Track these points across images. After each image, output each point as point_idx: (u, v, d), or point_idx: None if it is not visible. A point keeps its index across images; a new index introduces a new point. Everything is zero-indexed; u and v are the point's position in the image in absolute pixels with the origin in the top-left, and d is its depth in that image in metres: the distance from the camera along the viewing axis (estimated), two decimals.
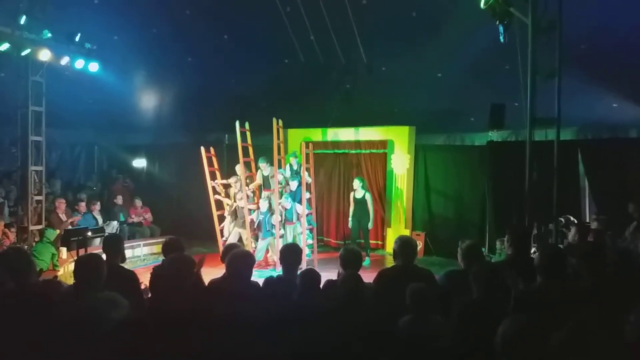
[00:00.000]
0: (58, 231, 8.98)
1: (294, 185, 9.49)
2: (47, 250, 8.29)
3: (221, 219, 10.21)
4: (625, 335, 2.57)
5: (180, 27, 9.94)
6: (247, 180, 9.87)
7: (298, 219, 9.48)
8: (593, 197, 9.38)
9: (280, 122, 10.19)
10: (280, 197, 9.54)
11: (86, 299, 3.25)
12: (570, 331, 2.90)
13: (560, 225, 7.05)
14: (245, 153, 9.96)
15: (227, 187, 10.27)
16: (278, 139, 10.00)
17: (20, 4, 8.39)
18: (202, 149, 10.11)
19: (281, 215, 9.42)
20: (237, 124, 9.58)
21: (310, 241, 9.76)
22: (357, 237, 10.11)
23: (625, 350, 2.58)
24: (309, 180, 9.70)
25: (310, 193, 9.81)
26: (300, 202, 9.49)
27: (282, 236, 9.42)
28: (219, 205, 10.25)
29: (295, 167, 9.91)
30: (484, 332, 2.55)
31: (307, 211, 9.53)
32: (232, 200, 9.98)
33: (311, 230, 9.86)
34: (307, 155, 9.70)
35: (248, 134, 10.11)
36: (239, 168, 9.78)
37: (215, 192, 10.19)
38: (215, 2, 9.27)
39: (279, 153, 9.93)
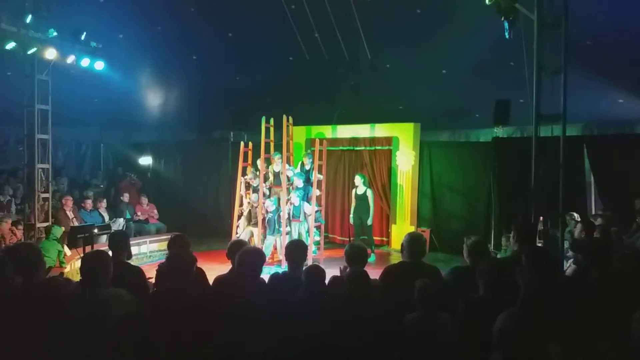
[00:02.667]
0: (63, 228, 9.02)
1: (299, 182, 9.50)
2: (54, 247, 8.32)
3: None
4: (632, 332, 2.57)
5: (185, 25, 9.97)
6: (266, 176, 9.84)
7: (305, 217, 9.50)
8: (599, 193, 9.35)
9: (291, 119, 10.18)
10: (288, 194, 9.56)
11: (92, 295, 3.28)
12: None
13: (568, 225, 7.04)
14: (267, 149, 9.91)
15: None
16: (287, 135, 10.00)
17: (26, 2, 8.43)
18: (242, 143, 10.07)
19: (288, 212, 9.45)
20: (263, 119, 9.58)
21: (317, 238, 9.79)
22: (360, 234, 10.12)
23: (631, 347, 2.58)
24: (320, 177, 9.69)
25: (321, 190, 9.80)
26: (308, 200, 9.50)
27: (288, 233, 9.44)
28: (241, 201, 10.20)
29: (307, 167, 9.95)
30: (491, 329, 2.56)
31: (316, 208, 9.53)
32: (248, 198, 9.94)
33: (319, 228, 9.87)
34: (320, 152, 9.70)
35: (272, 129, 10.07)
36: (260, 163, 9.75)
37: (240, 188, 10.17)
38: (220, 0, 9.29)
39: (287, 150, 9.92)
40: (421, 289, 3.48)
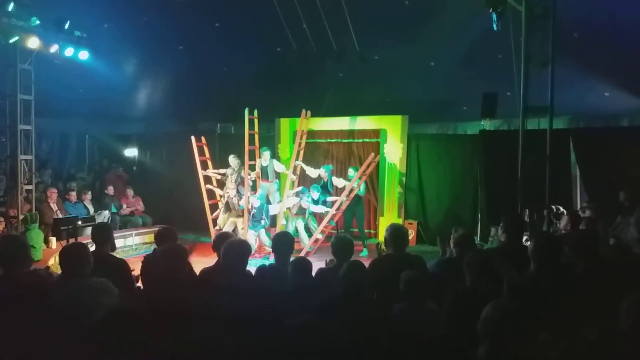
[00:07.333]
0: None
1: (315, 195, 9.57)
2: (39, 236, 8.18)
3: (213, 208, 10.15)
4: (620, 322, 2.58)
5: (171, 15, 9.84)
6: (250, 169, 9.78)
7: (312, 214, 9.83)
8: (584, 186, 9.41)
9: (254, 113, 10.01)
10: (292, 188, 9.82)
11: (75, 285, 3.23)
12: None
13: (551, 214, 7.08)
14: (251, 141, 9.78)
15: (222, 175, 10.15)
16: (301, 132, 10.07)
17: None
18: (193, 138, 10.04)
19: (290, 207, 9.59)
20: (247, 111, 9.50)
21: (320, 237, 9.83)
22: (350, 227, 10.10)
23: (619, 337, 2.59)
24: (362, 192, 9.79)
25: (347, 198, 9.67)
26: (316, 203, 9.58)
27: (283, 225, 9.55)
28: (211, 194, 10.18)
29: (325, 180, 10.02)
30: (478, 320, 2.55)
31: (335, 213, 9.60)
32: (224, 192, 9.88)
33: (325, 228, 9.92)
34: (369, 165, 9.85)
35: (256, 121, 9.98)
36: (232, 159, 9.66)
37: (207, 181, 10.13)
38: None
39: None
40: (407, 280, 3.46)
